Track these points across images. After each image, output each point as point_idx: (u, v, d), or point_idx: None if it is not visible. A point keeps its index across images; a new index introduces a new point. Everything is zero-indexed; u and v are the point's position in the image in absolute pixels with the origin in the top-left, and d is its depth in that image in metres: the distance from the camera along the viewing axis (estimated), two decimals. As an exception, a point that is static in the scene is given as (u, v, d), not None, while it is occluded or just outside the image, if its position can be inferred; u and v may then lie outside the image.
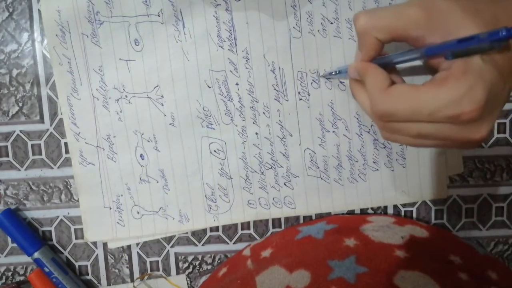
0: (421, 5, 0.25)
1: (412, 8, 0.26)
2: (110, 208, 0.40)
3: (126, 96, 0.38)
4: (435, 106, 0.24)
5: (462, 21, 0.24)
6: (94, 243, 0.42)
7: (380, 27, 0.26)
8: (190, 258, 0.42)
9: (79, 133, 0.39)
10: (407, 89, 0.26)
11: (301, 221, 0.41)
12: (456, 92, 0.24)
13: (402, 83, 0.28)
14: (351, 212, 0.41)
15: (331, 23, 0.37)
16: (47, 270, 0.40)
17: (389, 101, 0.26)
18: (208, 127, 0.39)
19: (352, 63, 0.31)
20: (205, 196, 0.40)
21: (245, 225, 0.41)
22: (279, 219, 0.41)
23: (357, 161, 0.39)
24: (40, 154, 0.40)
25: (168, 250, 0.42)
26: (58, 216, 0.41)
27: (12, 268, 0.42)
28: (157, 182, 0.39)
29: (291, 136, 0.39)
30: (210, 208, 0.40)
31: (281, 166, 0.39)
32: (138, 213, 0.40)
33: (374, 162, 0.39)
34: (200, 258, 0.42)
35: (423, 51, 0.26)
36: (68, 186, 0.41)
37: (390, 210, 0.41)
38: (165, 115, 0.38)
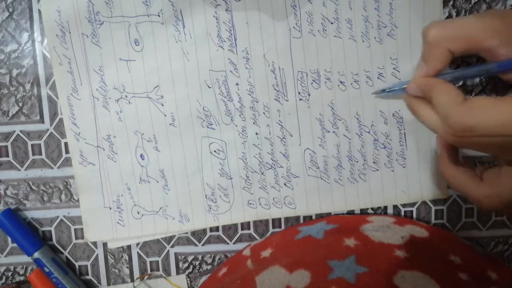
0: (497, 14, 0.25)
1: (489, 17, 0.25)
2: (110, 208, 0.40)
3: (126, 96, 0.38)
4: None
5: None
6: (94, 243, 0.42)
7: (455, 36, 0.26)
8: (190, 258, 0.42)
9: (79, 133, 0.39)
10: (489, 101, 0.24)
11: (301, 221, 0.41)
12: None
13: (481, 96, 0.26)
14: (351, 212, 0.41)
15: (331, 23, 0.37)
16: (47, 270, 0.40)
17: (471, 113, 0.24)
18: (208, 127, 0.39)
19: (413, 80, 0.29)
20: (205, 196, 0.40)
21: (245, 225, 0.41)
22: (279, 219, 0.41)
23: (357, 161, 0.39)
24: (40, 154, 0.40)
25: (168, 250, 0.42)
26: (58, 216, 0.41)
27: (12, 268, 0.42)
28: (157, 182, 0.39)
29: (291, 136, 0.39)
30: (210, 208, 0.40)
31: (281, 166, 0.39)
32: (138, 213, 0.40)
33: (374, 162, 0.39)
34: (200, 258, 0.42)
35: (496, 66, 0.25)
36: (68, 186, 0.41)
37: (390, 210, 0.41)
38: (165, 115, 0.38)
